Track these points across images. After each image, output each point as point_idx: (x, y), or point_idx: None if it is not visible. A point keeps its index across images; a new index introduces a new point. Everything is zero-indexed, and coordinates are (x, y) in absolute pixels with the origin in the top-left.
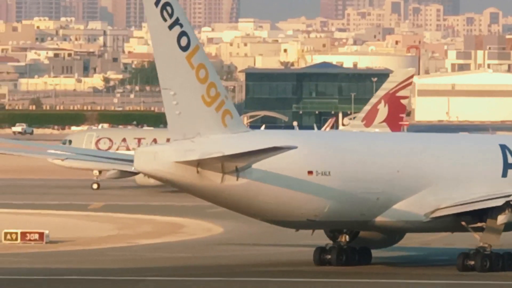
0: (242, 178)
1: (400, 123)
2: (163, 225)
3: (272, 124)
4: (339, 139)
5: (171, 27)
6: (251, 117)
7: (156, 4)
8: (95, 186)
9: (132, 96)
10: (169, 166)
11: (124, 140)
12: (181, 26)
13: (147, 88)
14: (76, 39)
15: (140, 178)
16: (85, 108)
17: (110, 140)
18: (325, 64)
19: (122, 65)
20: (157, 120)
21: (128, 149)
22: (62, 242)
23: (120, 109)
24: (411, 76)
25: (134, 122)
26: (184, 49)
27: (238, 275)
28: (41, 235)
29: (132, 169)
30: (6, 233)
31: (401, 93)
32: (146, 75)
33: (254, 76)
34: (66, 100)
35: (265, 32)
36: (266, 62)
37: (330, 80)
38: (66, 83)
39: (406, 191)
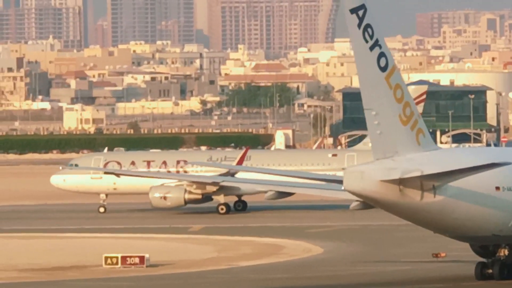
0: (438, 195)
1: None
2: (263, 246)
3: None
4: None
5: (371, 48)
6: (349, 136)
7: (359, 26)
8: (102, 209)
9: (229, 118)
10: (375, 185)
11: (133, 163)
12: (380, 47)
13: (244, 110)
14: (172, 62)
15: (156, 200)
16: (182, 131)
17: (118, 163)
18: (421, 82)
19: (219, 87)
20: (255, 141)
21: None
22: (162, 266)
23: (218, 131)
24: (424, 93)
25: (232, 144)
26: (383, 69)
27: None
28: (141, 258)
29: (342, 188)
30: (106, 258)
31: None
32: (243, 97)
33: (351, 96)
34: (163, 123)
35: None
36: None
37: (427, 98)
38: (164, 106)
39: None
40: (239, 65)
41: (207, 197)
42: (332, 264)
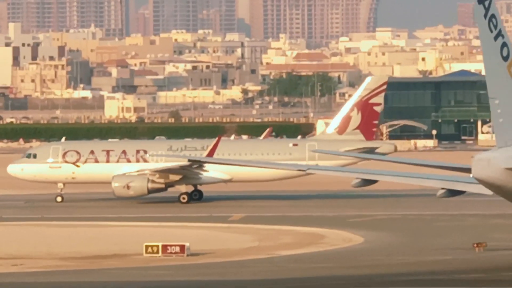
0: None
1: None
2: (303, 235)
3: (411, 133)
4: None
5: (495, 37)
6: (390, 126)
7: (485, 16)
8: (59, 199)
9: (270, 107)
10: (500, 173)
11: (92, 152)
12: (503, 37)
13: (286, 99)
14: (214, 51)
15: (119, 189)
16: (224, 120)
17: (77, 152)
18: (463, 72)
19: (260, 76)
20: (296, 130)
21: (96, 161)
22: (203, 255)
23: (259, 120)
24: (384, 83)
25: (273, 134)
26: (505, 59)
27: (378, 285)
28: (182, 247)
29: (471, 176)
30: (147, 246)
31: (374, 100)
32: (284, 86)
33: (393, 85)
34: (204, 112)
35: (402, 41)
36: (404, 71)
37: (468, 88)
38: (205, 95)
39: None
40: (281, 54)
41: (170, 186)
42: (373, 254)
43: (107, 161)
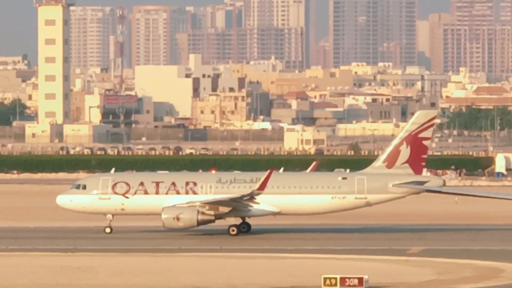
0: None
1: None
2: (483, 269)
3: None
4: None
5: None
6: None
7: None
8: (108, 230)
9: (450, 140)
10: None
11: (141, 184)
12: None
13: (465, 132)
14: (393, 84)
15: (168, 221)
16: None
17: (127, 184)
18: None
19: (440, 109)
20: (475, 164)
21: (146, 193)
22: (381, 287)
23: (439, 153)
24: (433, 118)
25: (453, 167)
26: None
27: None
28: (360, 280)
29: None
30: (325, 278)
31: (423, 135)
32: (464, 120)
33: None
34: (384, 145)
35: None
36: None
37: None
38: (384, 128)
39: None
40: (461, 88)
41: (219, 218)
42: None
43: (157, 193)
